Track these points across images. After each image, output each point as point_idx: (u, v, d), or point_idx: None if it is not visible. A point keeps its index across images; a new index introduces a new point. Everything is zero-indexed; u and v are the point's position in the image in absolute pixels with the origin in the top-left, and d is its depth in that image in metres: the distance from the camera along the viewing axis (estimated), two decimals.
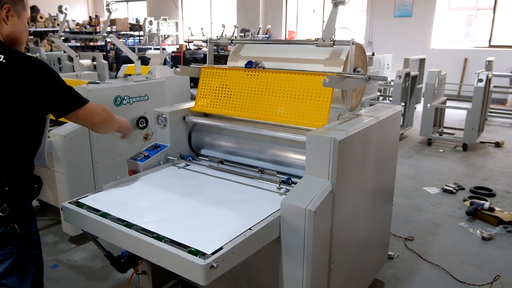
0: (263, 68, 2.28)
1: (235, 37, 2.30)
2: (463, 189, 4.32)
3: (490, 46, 9.71)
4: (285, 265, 1.74)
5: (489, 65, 6.98)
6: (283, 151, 2.09)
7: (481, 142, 6.05)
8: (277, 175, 2.06)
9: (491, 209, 3.63)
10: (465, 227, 3.49)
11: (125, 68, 6.26)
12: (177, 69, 2.37)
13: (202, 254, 1.41)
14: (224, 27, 9.98)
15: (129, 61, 3.84)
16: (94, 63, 6.60)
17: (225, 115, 2.35)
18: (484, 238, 3.28)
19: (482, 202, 3.75)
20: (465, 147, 5.77)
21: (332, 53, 2.21)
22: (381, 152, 2.24)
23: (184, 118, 2.38)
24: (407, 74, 6.19)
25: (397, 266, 2.90)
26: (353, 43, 2.04)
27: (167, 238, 1.51)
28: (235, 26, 9.49)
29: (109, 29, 13.91)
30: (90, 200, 1.87)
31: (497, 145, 5.98)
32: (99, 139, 3.07)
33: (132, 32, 13.79)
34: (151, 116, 3.32)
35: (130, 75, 5.23)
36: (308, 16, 12.56)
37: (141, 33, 13.06)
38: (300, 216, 1.65)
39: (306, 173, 1.84)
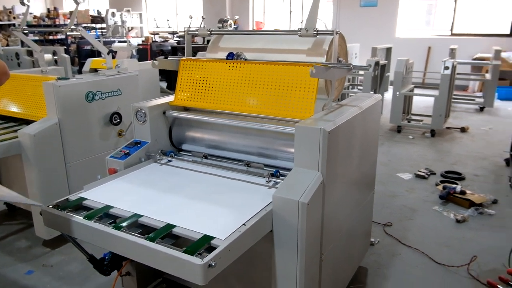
0: (245, 60, 2.23)
1: (206, 28, 2.24)
2: (434, 173, 4.45)
3: (452, 34, 10.02)
4: (278, 258, 1.73)
5: (452, 53, 7.21)
6: (270, 143, 2.07)
7: (448, 128, 6.25)
8: (264, 168, 2.03)
9: (462, 192, 3.76)
10: (439, 211, 3.60)
11: (90, 62, 6.05)
12: (155, 62, 2.29)
13: (199, 253, 1.37)
14: (191, 18, 9.79)
15: (92, 54, 3.72)
16: (55, 57, 6.33)
17: (206, 108, 2.30)
18: (457, 221, 3.40)
19: (454, 186, 3.88)
20: (433, 133, 5.95)
21: (315, 43, 2.20)
22: (364, 141, 2.26)
23: (164, 113, 2.31)
24: (377, 63, 6.29)
25: (378, 252, 2.96)
26: (336, 33, 2.03)
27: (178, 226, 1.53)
28: (202, 17, 9.31)
29: (69, 21, 13.38)
30: (74, 201, 1.78)
31: (463, 130, 6.20)
32: (71, 137, 2.94)
33: (94, 25, 13.32)
34: (125, 111, 3.23)
35: (96, 69, 5.06)
36: (275, 6, 12.53)
37: (104, 25, 12.63)
38: (293, 208, 1.63)
39: (295, 165, 1.82)
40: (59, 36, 12.88)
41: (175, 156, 2.27)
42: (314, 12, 2.08)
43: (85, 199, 1.81)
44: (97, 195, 1.85)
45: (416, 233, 3.22)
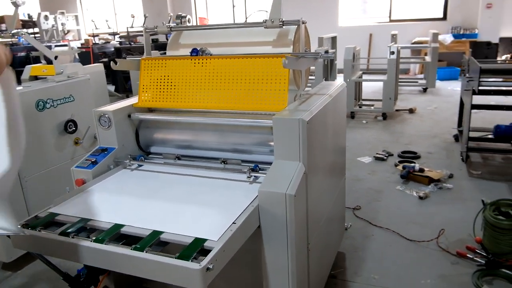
0: (210, 55, 2.17)
1: (150, 27, 2.17)
2: (392, 155, 4.62)
3: (391, 21, 10.44)
4: (267, 253, 1.71)
5: (394, 38, 7.52)
6: (245, 138, 2.03)
7: (397, 110, 6.52)
8: (242, 163, 1.99)
9: (421, 170, 3.94)
10: (402, 190, 3.74)
11: (29, 70, 5.66)
12: (115, 63, 2.17)
13: (194, 258, 1.32)
14: (133, 17, 9.50)
15: (27, 62, 3.48)
16: None
17: (173, 108, 2.21)
18: (420, 198, 3.55)
19: (412, 165, 4.06)
20: (384, 116, 6.17)
21: (279, 34, 2.18)
22: (335, 128, 2.28)
23: (129, 116, 2.20)
24: (326, 52, 6.39)
25: (352, 235, 3.02)
26: (303, 22, 2.02)
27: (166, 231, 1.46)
28: (145, 15, 9.06)
29: (7, 27, 12.46)
30: (44, 218, 1.65)
31: (411, 111, 6.49)
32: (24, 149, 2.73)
33: (25, 30, 12.50)
34: (80, 118, 3.06)
35: (36, 77, 4.76)
36: (217, 1, 12.41)
37: (36, 29, 11.89)
38: (280, 202, 1.62)
39: (275, 157, 1.80)
40: None
41: (145, 160, 2.17)
42: (278, 3, 2.06)
43: (57, 214, 1.69)
44: (69, 208, 1.73)
45: (384, 214, 3.33)
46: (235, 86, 2.05)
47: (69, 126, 3.03)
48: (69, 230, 1.54)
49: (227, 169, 1.99)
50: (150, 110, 2.32)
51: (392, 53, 5.96)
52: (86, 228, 1.60)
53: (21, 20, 12.52)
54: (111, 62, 2.15)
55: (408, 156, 4.52)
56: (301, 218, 1.75)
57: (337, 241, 2.63)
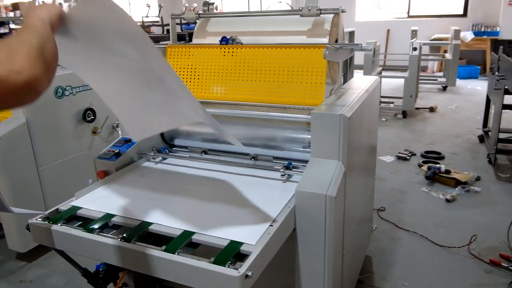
0: (241, 44, 2.05)
1: (161, 16, 2.05)
2: (415, 154, 4.48)
3: (409, 16, 10.20)
4: (302, 258, 1.59)
5: (414, 34, 7.32)
6: (277, 133, 1.90)
7: (417, 108, 6.35)
8: (274, 160, 1.88)
9: (447, 172, 3.79)
10: (427, 191, 3.60)
11: None
12: None
13: (231, 263, 1.20)
14: (149, 7, 9.39)
15: None
16: None
17: (200, 99, 2.09)
18: (447, 200, 3.41)
19: (438, 165, 3.90)
20: (404, 114, 6.01)
21: (315, 24, 2.05)
22: (369, 125, 2.16)
23: None
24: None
25: (378, 238, 2.90)
26: (342, 11, 1.89)
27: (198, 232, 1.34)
28: (160, 5, 8.95)
29: (11, 14, 12.42)
30: (66, 211, 1.54)
31: (431, 110, 6.32)
32: (41, 137, 2.65)
33: None
34: (99, 107, 2.97)
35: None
36: None
37: None
38: (319, 203, 1.49)
39: (312, 155, 1.68)
40: (2, 31, 11.96)
41: (169, 153, 2.06)
42: None
43: (79, 208, 1.58)
44: (91, 202, 1.62)
45: (410, 216, 3.20)
46: (267, 78, 1.92)
47: (88, 115, 2.94)
48: (94, 226, 1.43)
49: (257, 165, 1.87)
50: None
51: (415, 49, 5.78)
52: (110, 224, 1.49)
53: None
54: None
55: (432, 156, 4.37)
56: (339, 221, 1.63)
57: (365, 244, 2.51)
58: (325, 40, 1.99)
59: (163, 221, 1.45)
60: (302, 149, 1.86)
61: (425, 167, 3.99)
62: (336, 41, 2.04)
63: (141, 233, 1.40)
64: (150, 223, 1.45)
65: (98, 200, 1.64)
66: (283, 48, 1.91)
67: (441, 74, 8.76)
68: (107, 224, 1.48)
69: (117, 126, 3.17)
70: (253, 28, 2.17)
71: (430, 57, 9.26)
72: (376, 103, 2.30)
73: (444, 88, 7.83)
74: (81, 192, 1.68)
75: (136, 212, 1.53)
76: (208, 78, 2.03)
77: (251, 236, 1.33)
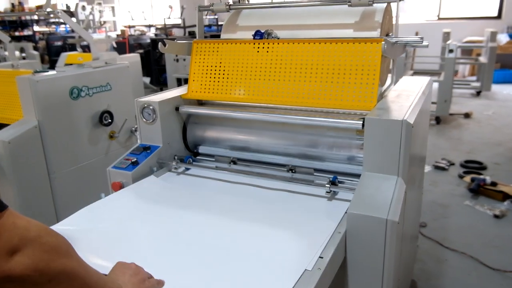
0: (277, 38, 1.79)
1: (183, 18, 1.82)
2: (453, 164, 4.14)
3: (439, 19, 9.79)
4: None
5: (446, 37, 6.95)
6: (319, 142, 1.63)
7: (451, 114, 5.97)
8: (315, 174, 1.61)
9: (493, 184, 3.44)
10: (472, 206, 3.27)
11: (65, 57, 5.45)
12: (163, 45, 1.82)
13: None
14: (171, 8, 9.25)
15: (63, 51, 3.21)
16: (23, 54, 5.71)
17: (228, 101, 1.85)
18: (496, 216, 3.07)
19: (483, 177, 3.56)
20: (438, 120, 5.65)
21: (363, 15, 1.77)
22: (424, 133, 1.87)
23: (177, 109, 1.84)
24: None
25: (422, 258, 2.59)
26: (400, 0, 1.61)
27: None
28: (182, 7, 8.80)
29: (35, 17, 12.52)
30: (73, 229, 1.30)
31: (467, 116, 5.94)
32: (54, 142, 2.44)
33: (62, 20, 12.50)
34: (116, 109, 2.76)
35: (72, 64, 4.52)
36: None
37: (74, 19, 11.86)
38: (378, 229, 1.22)
39: (365, 169, 1.41)
40: (26, 33, 12.05)
41: (193, 163, 1.81)
42: None
43: None
44: (80, 231, 1.37)
45: (455, 233, 2.87)
46: (308, 78, 1.65)
47: (105, 118, 2.72)
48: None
49: (296, 179, 1.60)
50: (201, 103, 1.97)
51: (451, 51, 5.42)
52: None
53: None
54: (160, 44, 1.80)
55: (473, 166, 4.02)
56: (398, 248, 1.34)
57: (412, 267, 2.21)
58: (375, 33, 1.71)
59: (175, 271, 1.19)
60: (347, 160, 1.58)
61: (467, 179, 3.65)
62: (387, 35, 1.77)
63: None
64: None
65: (112, 215, 1.39)
66: (328, 43, 1.64)
67: (474, 78, 8.31)
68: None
69: (135, 130, 2.95)
70: (290, 21, 1.91)
71: (462, 61, 8.82)
72: (429, 108, 2.01)
73: (478, 93, 7.41)
74: (88, 208, 1.43)
75: (159, 237, 1.27)
76: (239, 78, 1.78)
77: (297, 271, 1.06)
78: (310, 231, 1.27)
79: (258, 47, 1.77)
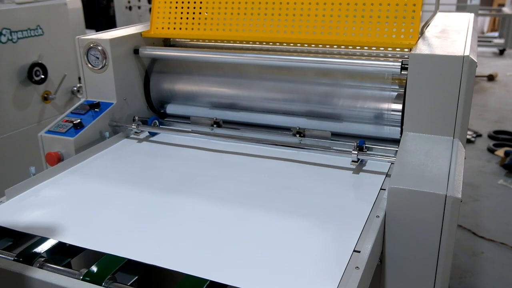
0: None
1: None
2: (481, 135, 4.08)
3: None
4: None
5: None
6: (336, 93, 1.45)
7: None
8: (332, 138, 1.43)
9: None
10: (507, 185, 3.18)
11: None
12: None
13: None
14: None
15: None
16: None
17: (208, 39, 1.68)
18: None
19: None
20: None
21: None
22: None
23: (136, 52, 1.63)
24: None
25: (454, 252, 2.46)
26: None
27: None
28: None
29: None
30: None
31: (490, 78, 5.90)
32: None
33: None
34: (51, 61, 2.51)
35: None
36: None
37: None
38: (434, 209, 1.05)
39: (406, 128, 1.25)
40: None
41: (161, 126, 1.62)
42: None
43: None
44: (32, 208, 1.16)
45: (490, 220, 2.79)
46: (320, 4, 1.44)
47: (36, 73, 2.47)
48: (34, 250, 0.98)
49: (306, 145, 1.41)
50: (169, 44, 1.79)
51: None
52: (65, 246, 1.04)
53: None
54: None
55: (504, 137, 3.97)
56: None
57: None
58: None
59: (154, 251, 0.98)
60: (375, 119, 1.41)
61: (500, 152, 3.58)
62: None
63: (117, 267, 0.93)
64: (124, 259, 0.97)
65: (43, 204, 1.20)
66: None
67: (495, 34, 8.28)
68: (58, 246, 1.03)
69: (78, 91, 2.70)
70: None
71: (481, 12, 8.76)
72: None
73: (502, 52, 7.40)
74: (14, 189, 1.21)
75: (106, 227, 1.08)
76: (222, 5, 1.56)
77: (326, 274, 0.87)
78: (336, 216, 1.10)
79: None
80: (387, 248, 1.12)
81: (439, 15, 1.94)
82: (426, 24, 1.56)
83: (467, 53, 1.16)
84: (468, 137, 3.96)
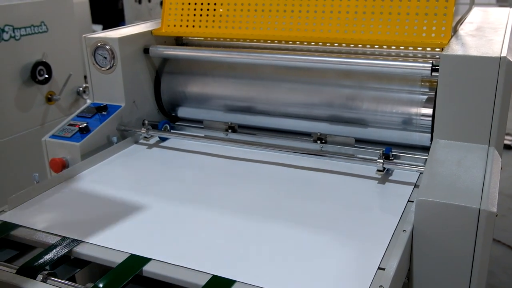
0: None
1: None
2: None
3: None
4: None
5: None
6: (360, 97, 1.50)
7: None
8: (356, 145, 1.47)
9: None
10: None
11: None
12: None
13: None
14: None
15: None
16: None
17: (222, 38, 1.75)
18: None
19: None
20: None
21: None
22: None
23: (146, 51, 1.71)
24: None
25: (490, 269, 2.47)
26: None
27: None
28: None
29: None
30: None
31: None
32: None
33: None
34: (56, 60, 2.60)
35: None
36: None
37: None
38: (466, 224, 1.10)
39: (437, 135, 1.31)
40: None
41: (172, 131, 1.70)
42: None
43: (13, 227, 1.16)
44: (37, 216, 1.24)
45: None
46: (344, 1, 1.48)
47: (39, 72, 2.55)
48: (37, 263, 1.03)
49: (327, 152, 1.46)
50: (181, 43, 1.86)
51: None
52: (70, 257, 1.10)
53: None
54: None
55: None
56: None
57: None
58: None
59: (168, 255, 1.03)
60: (402, 124, 1.46)
61: None
62: None
63: (128, 279, 0.98)
64: (145, 260, 1.02)
65: (48, 212, 1.26)
66: None
67: None
68: (64, 258, 1.09)
69: (84, 92, 2.78)
70: None
71: None
72: None
73: None
74: (17, 197, 1.29)
75: (117, 236, 1.13)
76: (238, 2, 1.61)
77: None
78: (360, 230, 1.14)
79: None
80: (415, 265, 1.15)
81: (475, 10, 1.98)
82: (460, 21, 1.58)
83: (504, 54, 1.20)
84: (508, 142, 3.94)
